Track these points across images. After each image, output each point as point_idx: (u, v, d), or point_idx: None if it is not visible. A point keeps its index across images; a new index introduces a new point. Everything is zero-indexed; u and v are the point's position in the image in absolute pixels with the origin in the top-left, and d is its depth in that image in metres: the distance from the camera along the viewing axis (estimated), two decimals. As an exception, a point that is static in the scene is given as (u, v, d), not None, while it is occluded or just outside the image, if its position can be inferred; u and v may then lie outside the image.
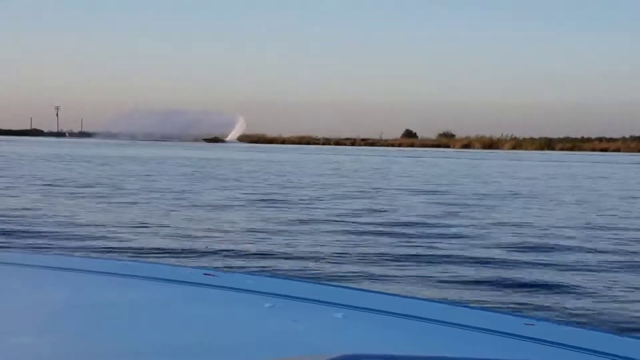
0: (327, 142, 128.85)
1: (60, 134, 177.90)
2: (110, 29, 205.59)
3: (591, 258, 9.48)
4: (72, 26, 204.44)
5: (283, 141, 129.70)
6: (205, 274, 2.24)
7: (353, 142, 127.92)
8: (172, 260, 8.52)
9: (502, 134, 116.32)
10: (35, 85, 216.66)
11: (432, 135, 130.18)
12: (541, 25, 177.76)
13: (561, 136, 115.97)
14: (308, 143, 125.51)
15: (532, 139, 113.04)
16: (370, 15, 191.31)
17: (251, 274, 2.30)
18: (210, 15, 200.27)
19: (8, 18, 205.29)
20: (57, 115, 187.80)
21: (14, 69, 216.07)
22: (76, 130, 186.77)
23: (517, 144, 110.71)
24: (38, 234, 10.43)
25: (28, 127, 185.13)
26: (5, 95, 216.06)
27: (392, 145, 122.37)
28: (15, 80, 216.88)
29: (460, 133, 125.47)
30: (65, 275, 2.24)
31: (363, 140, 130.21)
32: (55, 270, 2.29)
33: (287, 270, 8.10)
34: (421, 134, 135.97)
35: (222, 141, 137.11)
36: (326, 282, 2.25)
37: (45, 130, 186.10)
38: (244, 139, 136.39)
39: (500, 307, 6.51)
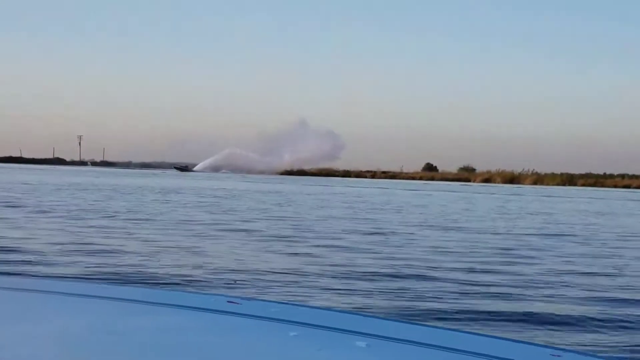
0: (347, 174, 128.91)
1: (82, 163, 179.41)
2: (134, 60, 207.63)
3: None
4: (95, 56, 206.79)
5: (304, 173, 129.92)
6: (228, 302, 2.24)
7: (373, 175, 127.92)
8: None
9: (523, 169, 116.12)
10: (58, 114, 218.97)
11: (452, 168, 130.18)
12: (564, 58, 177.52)
13: (582, 172, 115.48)
14: (328, 175, 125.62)
15: (553, 174, 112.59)
16: (388, 48, 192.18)
17: (275, 302, 2.29)
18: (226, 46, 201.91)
19: (31, 48, 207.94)
20: (79, 144, 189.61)
21: (37, 98, 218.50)
22: (98, 159, 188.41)
23: (539, 178, 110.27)
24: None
25: (51, 156, 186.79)
26: (28, 124, 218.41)
27: (413, 178, 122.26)
28: (39, 109, 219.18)
29: (480, 167, 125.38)
30: (88, 302, 2.24)
31: (384, 172, 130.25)
32: (78, 297, 2.30)
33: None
34: (442, 167, 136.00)
35: (191, 170, 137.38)
36: (350, 311, 2.23)
37: (68, 159, 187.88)
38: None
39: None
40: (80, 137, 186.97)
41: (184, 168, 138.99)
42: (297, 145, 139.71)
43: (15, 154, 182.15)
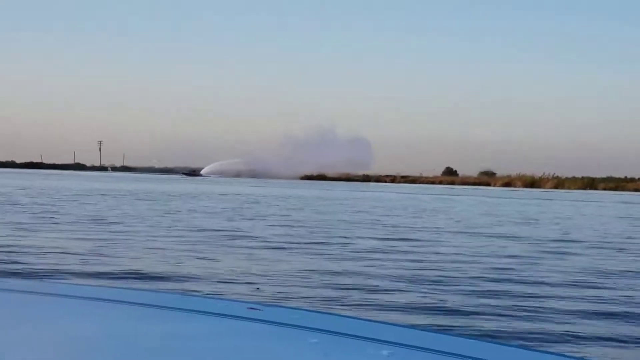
0: (366, 178, 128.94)
1: (102, 169, 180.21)
2: (154, 66, 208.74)
3: None
4: (115, 62, 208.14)
5: (324, 177, 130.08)
6: (249, 308, 2.23)
7: (393, 179, 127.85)
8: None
9: (543, 173, 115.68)
10: (79, 119, 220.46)
11: (472, 173, 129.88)
12: (585, 62, 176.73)
13: (603, 175, 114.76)
14: (348, 179, 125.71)
15: (574, 178, 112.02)
16: (409, 53, 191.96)
17: (296, 309, 2.28)
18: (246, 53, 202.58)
19: (51, 55, 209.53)
20: (99, 149, 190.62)
21: (57, 104, 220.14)
22: (118, 164, 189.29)
23: (559, 183, 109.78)
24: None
25: (71, 162, 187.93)
26: (49, 130, 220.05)
27: (433, 182, 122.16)
28: (59, 115, 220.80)
29: (500, 171, 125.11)
30: (108, 307, 2.24)
31: (403, 177, 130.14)
32: (98, 302, 2.30)
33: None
34: (462, 171, 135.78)
35: (199, 175, 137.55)
36: (371, 319, 2.22)
37: (88, 164, 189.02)
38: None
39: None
40: (100, 143, 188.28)
41: (192, 173, 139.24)
42: (326, 152, 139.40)
43: (36, 159, 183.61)
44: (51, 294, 2.40)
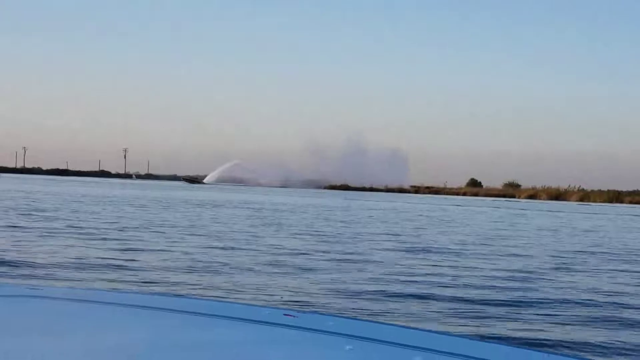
0: (389, 189, 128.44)
1: (127, 176, 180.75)
2: (178, 74, 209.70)
3: None
4: (140, 71, 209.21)
5: (347, 187, 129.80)
6: (284, 315, 2.25)
7: (417, 190, 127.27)
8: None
9: (568, 185, 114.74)
10: (104, 127, 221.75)
11: (497, 184, 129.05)
12: (608, 76, 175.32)
13: (629, 189, 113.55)
14: (371, 190, 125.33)
15: (600, 191, 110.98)
16: (433, 65, 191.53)
17: (331, 315, 2.30)
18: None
19: (76, 63, 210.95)
20: (124, 157, 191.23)
21: (83, 112, 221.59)
22: (142, 172, 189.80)
23: (585, 195, 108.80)
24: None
25: (96, 169, 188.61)
26: (75, 137, 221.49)
27: (457, 193, 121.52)
28: (85, 122, 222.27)
29: (524, 183, 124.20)
30: (150, 315, 2.27)
31: (427, 188, 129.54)
32: (140, 309, 2.33)
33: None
34: (486, 183, 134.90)
35: (201, 182, 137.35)
36: (406, 326, 2.23)
37: (113, 171, 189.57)
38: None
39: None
40: (125, 150, 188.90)
41: (194, 180, 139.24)
42: (361, 166, 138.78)
43: (62, 166, 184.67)
44: (95, 302, 2.43)
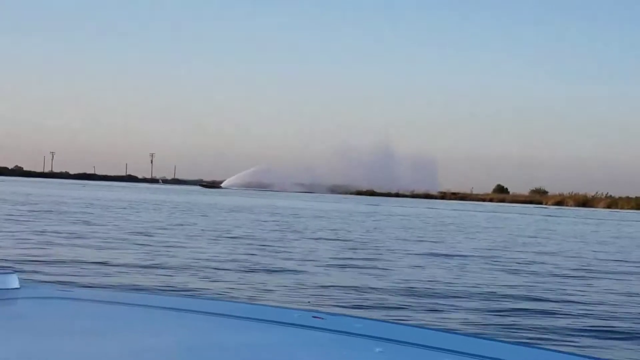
0: (415, 195, 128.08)
1: (154, 181, 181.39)
2: (206, 79, 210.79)
3: None
4: (167, 75, 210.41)
5: (374, 193, 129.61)
6: (314, 317, 2.26)
7: (443, 196, 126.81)
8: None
9: (596, 192, 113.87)
10: (131, 132, 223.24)
11: (524, 190, 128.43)
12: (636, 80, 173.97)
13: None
14: (397, 195, 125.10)
15: (628, 198, 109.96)
16: (460, 69, 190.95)
17: (360, 318, 2.31)
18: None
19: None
20: (151, 162, 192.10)
21: (110, 116, 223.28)
22: (169, 177, 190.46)
23: (613, 202, 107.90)
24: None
25: (123, 174, 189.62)
26: (103, 141, 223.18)
27: (483, 200, 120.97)
28: (112, 127, 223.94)
29: (551, 189, 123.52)
30: (183, 317, 2.29)
31: (454, 194, 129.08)
32: (173, 311, 2.35)
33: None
34: (513, 189, 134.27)
35: (218, 187, 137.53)
36: (436, 328, 2.24)
37: (140, 176, 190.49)
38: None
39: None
40: (152, 155, 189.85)
41: (211, 185, 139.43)
42: (389, 172, 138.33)
43: (89, 170, 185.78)
44: (126, 304, 2.45)
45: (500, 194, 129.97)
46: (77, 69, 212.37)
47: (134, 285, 10.04)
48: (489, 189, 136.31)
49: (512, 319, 8.86)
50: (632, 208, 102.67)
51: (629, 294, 11.63)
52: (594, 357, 1.91)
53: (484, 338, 2.15)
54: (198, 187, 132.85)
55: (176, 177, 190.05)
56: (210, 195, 73.85)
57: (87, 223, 22.11)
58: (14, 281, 2.38)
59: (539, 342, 7.56)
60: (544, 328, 8.41)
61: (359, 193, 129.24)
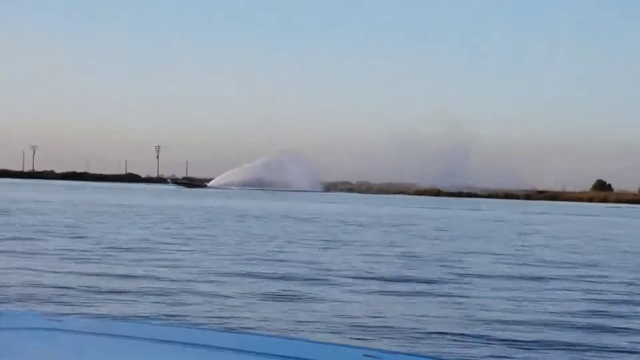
0: (491, 194, 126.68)
1: (161, 180, 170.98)
2: (219, 64, 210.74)
3: None
4: (176, 57, 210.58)
5: (437, 193, 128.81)
6: (365, 355, 2.52)
7: (528, 195, 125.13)
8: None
9: None
10: (131, 121, 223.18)
11: (632, 187, 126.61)
12: None
13: None
14: (467, 195, 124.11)
15: None
16: (547, 54, 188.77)
17: (415, 355, 2.52)
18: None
19: (101, 54, 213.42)
20: (157, 157, 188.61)
21: (105, 105, 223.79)
22: (179, 175, 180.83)
23: None
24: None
25: (122, 172, 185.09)
26: (96, 134, 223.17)
27: (579, 199, 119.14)
28: (108, 116, 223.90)
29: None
30: (168, 349, 2.55)
31: (540, 192, 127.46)
32: (161, 344, 2.60)
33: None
34: (617, 186, 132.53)
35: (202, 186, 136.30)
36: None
37: (143, 175, 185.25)
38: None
39: None
40: (158, 148, 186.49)
41: (190, 183, 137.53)
42: (459, 167, 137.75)
43: (79, 169, 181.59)
44: (115, 335, 2.67)
45: (601, 191, 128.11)
46: (60, 48, 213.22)
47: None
48: (586, 185, 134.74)
49: None
50: None
51: None
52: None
53: None
54: (174, 187, 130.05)
55: (189, 175, 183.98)
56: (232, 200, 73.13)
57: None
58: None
59: None
60: None
61: (418, 193, 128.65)
